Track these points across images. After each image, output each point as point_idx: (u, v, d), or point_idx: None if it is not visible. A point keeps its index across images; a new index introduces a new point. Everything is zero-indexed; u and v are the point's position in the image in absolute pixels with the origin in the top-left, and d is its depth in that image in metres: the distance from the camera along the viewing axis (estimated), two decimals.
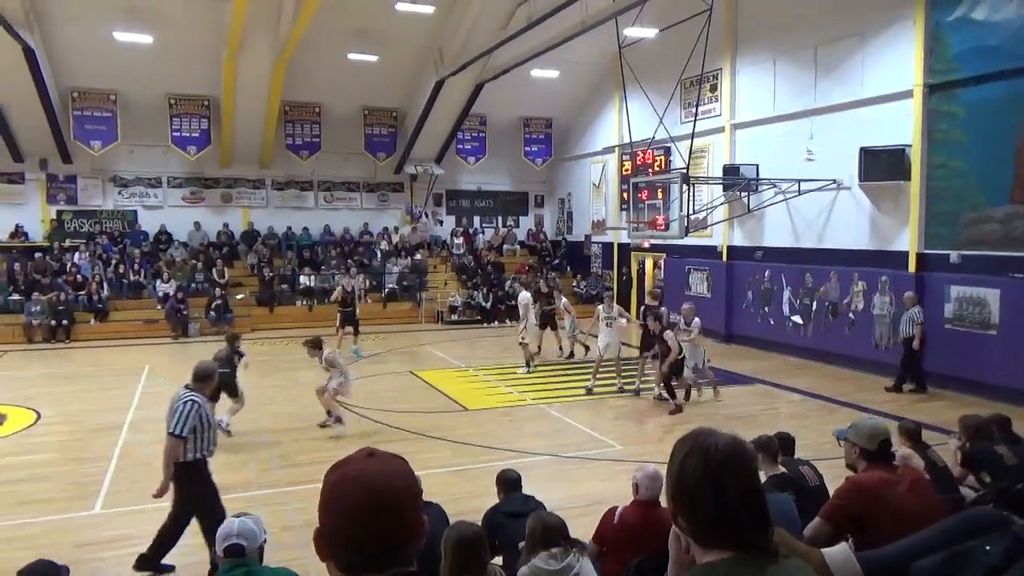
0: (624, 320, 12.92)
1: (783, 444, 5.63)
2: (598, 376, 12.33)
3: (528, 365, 14.05)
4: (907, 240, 13.29)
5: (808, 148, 15.26)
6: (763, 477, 4.64)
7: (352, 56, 19.16)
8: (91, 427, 10.31)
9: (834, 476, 5.36)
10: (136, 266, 20.46)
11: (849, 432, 3.91)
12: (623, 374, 12.34)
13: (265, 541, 3.62)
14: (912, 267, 13.13)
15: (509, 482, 5.25)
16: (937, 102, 12.73)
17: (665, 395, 11.19)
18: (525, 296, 14.70)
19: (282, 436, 9.75)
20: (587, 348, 15.35)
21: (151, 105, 20.71)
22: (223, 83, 19.04)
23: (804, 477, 5.25)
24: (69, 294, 18.58)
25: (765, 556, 1.45)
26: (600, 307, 12.74)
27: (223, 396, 9.46)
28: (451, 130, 23.04)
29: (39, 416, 10.82)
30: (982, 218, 12.09)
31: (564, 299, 15.97)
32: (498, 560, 4.54)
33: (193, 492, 5.69)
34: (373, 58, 19.34)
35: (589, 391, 12.20)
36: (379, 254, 23.13)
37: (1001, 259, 11.77)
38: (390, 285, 21.87)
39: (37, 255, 19.76)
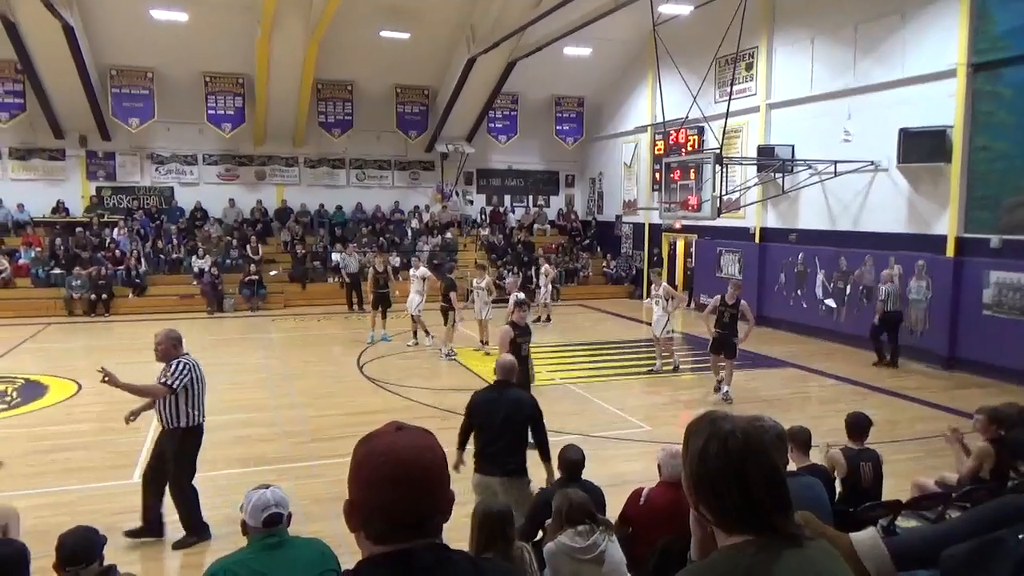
0: (668, 301, 12.21)
1: (857, 426, 5.43)
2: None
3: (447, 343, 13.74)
4: (946, 224, 12.98)
5: (845, 129, 14.94)
6: (793, 468, 4.59)
7: (384, 34, 19.15)
8: (129, 398, 10.51)
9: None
10: (173, 242, 20.84)
11: None
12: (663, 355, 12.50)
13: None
14: (951, 251, 12.84)
15: (569, 464, 4.78)
16: (982, 82, 12.35)
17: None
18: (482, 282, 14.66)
19: (311, 410, 9.92)
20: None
21: (187, 83, 20.96)
22: (257, 61, 19.18)
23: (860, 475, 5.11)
24: (108, 269, 19.00)
25: (787, 538, 1.46)
26: None
27: None
28: (482, 108, 22.98)
29: (80, 387, 11.12)
30: None
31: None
32: None
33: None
34: (405, 35, 19.31)
35: (654, 371, 12.43)
36: (410, 232, 23.24)
37: None
38: None
39: (78, 230, 20.20)
